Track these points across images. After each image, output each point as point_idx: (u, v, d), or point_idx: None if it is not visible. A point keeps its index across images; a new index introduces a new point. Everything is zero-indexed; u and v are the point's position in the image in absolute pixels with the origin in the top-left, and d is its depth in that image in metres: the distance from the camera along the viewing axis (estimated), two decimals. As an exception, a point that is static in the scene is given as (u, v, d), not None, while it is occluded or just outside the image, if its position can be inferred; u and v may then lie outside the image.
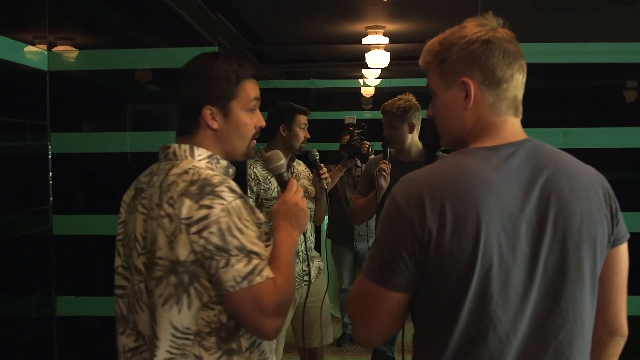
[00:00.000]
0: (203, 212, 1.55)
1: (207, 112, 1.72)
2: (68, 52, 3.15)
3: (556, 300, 1.38)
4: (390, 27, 6.30)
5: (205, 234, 1.54)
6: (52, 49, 3.10)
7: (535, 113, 3.06)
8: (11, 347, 2.72)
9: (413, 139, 3.64)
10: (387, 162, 3.45)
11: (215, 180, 1.60)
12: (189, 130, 1.75)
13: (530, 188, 1.37)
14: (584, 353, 1.43)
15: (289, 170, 3.36)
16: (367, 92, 7.79)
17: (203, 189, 1.57)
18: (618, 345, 1.55)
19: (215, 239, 1.55)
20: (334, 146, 5.79)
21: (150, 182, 1.69)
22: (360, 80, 7.78)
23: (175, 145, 1.71)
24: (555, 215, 1.37)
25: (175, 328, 1.59)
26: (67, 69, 3.13)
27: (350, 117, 6.30)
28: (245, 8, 5.53)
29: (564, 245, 1.37)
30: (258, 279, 1.58)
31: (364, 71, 7.43)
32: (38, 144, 3.00)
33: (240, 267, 1.56)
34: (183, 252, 1.56)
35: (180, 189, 1.58)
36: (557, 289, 1.37)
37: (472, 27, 1.47)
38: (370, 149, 5.26)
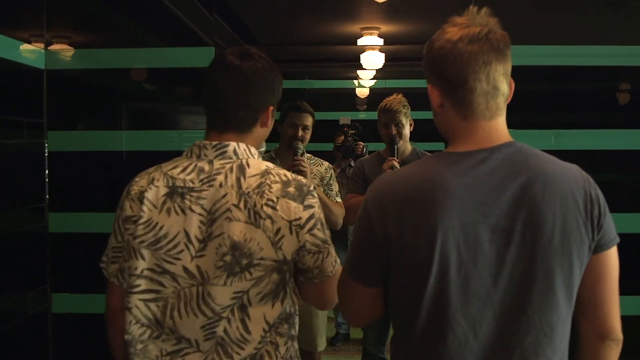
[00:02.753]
0: (309, 211, 1.65)
1: (271, 110, 1.76)
2: (65, 51, 3.16)
3: (522, 307, 1.38)
4: (385, 28, 6.32)
5: (314, 231, 1.65)
6: (49, 48, 3.11)
7: (527, 115, 3.10)
8: (6, 343, 2.73)
9: (408, 138, 3.66)
10: (397, 159, 3.44)
11: (303, 180, 1.70)
12: (243, 127, 1.72)
13: (500, 194, 1.37)
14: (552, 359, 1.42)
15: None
16: (362, 92, 7.82)
17: (301, 190, 1.66)
18: (611, 349, 1.49)
19: (321, 234, 1.67)
20: (328, 146, 5.80)
21: (204, 182, 1.63)
22: (355, 81, 7.81)
23: (234, 144, 1.68)
24: (524, 223, 1.36)
25: (267, 322, 1.65)
26: (64, 68, 3.14)
27: (344, 117, 6.33)
28: (241, 8, 5.54)
29: (532, 254, 1.36)
30: (337, 258, 1.74)
31: (359, 72, 7.46)
32: (34, 141, 3.01)
33: (332, 252, 1.73)
34: (290, 251, 1.63)
35: (277, 191, 1.62)
36: (524, 296, 1.37)
37: (446, 29, 1.46)
38: (365, 150, 5.29)
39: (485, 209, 1.36)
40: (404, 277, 1.44)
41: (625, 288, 1.62)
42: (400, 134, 3.56)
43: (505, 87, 1.45)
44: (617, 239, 1.47)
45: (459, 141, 1.47)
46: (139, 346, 1.68)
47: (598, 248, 1.43)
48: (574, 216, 1.38)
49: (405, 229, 1.39)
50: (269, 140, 1.93)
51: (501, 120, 1.47)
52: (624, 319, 1.52)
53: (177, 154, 1.76)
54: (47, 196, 3.09)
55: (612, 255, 1.46)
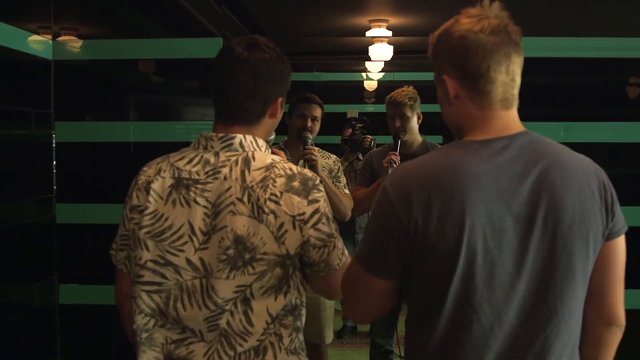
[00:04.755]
0: (313, 206, 1.62)
1: (280, 101, 1.73)
2: (73, 42, 3.16)
3: (545, 293, 1.39)
4: (394, 20, 6.31)
5: (319, 225, 1.63)
6: (57, 39, 3.10)
7: (537, 107, 3.08)
8: (13, 334, 2.74)
9: (416, 130, 3.63)
10: (397, 153, 3.42)
11: (309, 173, 1.67)
12: (251, 119, 1.69)
13: (521, 182, 1.38)
14: (568, 344, 1.44)
15: (305, 160, 3.28)
16: (370, 85, 7.81)
17: (306, 184, 1.63)
18: (614, 335, 1.53)
19: (326, 228, 1.65)
20: (336, 139, 5.80)
21: (209, 174, 1.62)
22: (363, 74, 7.79)
23: (240, 136, 1.66)
24: (545, 209, 1.37)
25: (270, 315, 1.63)
26: (72, 59, 3.14)
27: (352, 111, 6.31)
28: (249, 1, 5.53)
29: (554, 240, 1.37)
30: (345, 250, 1.72)
31: (367, 64, 7.44)
32: (42, 132, 3.01)
33: (339, 245, 1.70)
34: (293, 246, 1.61)
35: (281, 185, 1.60)
36: (547, 282, 1.38)
37: (461, 20, 1.45)
38: (372, 143, 5.27)
39: (508, 195, 1.37)
40: (429, 265, 1.42)
41: (633, 281, 1.62)
42: (404, 127, 3.52)
43: (519, 79, 1.47)
44: (626, 227, 1.49)
45: (477, 130, 1.46)
46: (144, 335, 1.68)
47: (610, 235, 1.45)
48: (590, 202, 1.40)
49: (432, 216, 1.38)
50: (276, 133, 1.92)
51: (515, 111, 1.48)
52: (629, 312, 1.54)
53: (184, 145, 1.75)
54: (55, 187, 3.09)
55: (621, 243, 1.48)
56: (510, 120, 1.46)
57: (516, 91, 1.46)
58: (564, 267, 1.38)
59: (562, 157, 1.42)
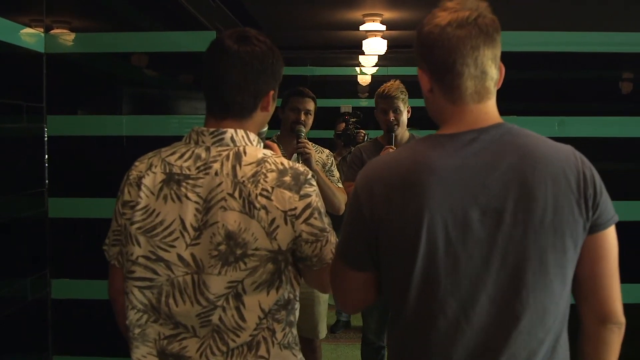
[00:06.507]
0: (305, 201, 1.61)
1: (271, 94, 1.72)
2: (65, 35, 3.14)
3: (516, 288, 1.36)
4: (388, 14, 6.29)
5: (311, 220, 1.62)
6: (49, 32, 3.08)
7: (531, 102, 3.08)
8: (5, 329, 2.73)
9: (405, 125, 3.64)
10: (393, 147, 3.44)
11: (301, 168, 1.66)
12: (242, 113, 1.69)
13: (489, 174, 1.36)
14: (544, 341, 1.40)
15: (298, 155, 3.27)
16: (364, 80, 7.79)
17: (298, 179, 1.62)
18: (613, 333, 1.46)
19: (319, 223, 1.63)
20: (329, 134, 5.79)
21: (200, 169, 1.62)
22: (357, 69, 7.78)
23: (232, 131, 1.65)
24: (515, 203, 1.35)
25: (262, 310, 1.63)
26: (64, 52, 3.12)
27: (346, 105, 6.30)
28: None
29: (524, 234, 1.35)
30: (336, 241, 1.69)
31: (361, 59, 7.43)
32: (34, 126, 2.99)
33: (332, 239, 1.68)
34: (285, 242, 1.60)
35: (272, 180, 1.59)
36: (518, 277, 1.36)
37: (436, 13, 1.45)
38: (366, 138, 5.26)
39: (475, 189, 1.36)
40: (393, 260, 1.44)
41: (630, 276, 1.59)
42: (397, 121, 3.56)
43: (494, 72, 1.45)
44: (616, 218, 1.44)
45: (448, 124, 1.46)
46: (137, 330, 1.68)
47: (595, 228, 1.41)
48: (565, 195, 1.36)
49: (393, 212, 1.39)
50: (270, 127, 1.92)
51: (491, 103, 1.47)
52: (625, 306, 1.49)
53: (177, 139, 1.75)
54: (47, 181, 3.08)
55: (610, 235, 1.43)
56: (482, 113, 1.44)
57: (490, 83, 1.44)
58: (536, 262, 1.36)
59: (536, 149, 1.39)
